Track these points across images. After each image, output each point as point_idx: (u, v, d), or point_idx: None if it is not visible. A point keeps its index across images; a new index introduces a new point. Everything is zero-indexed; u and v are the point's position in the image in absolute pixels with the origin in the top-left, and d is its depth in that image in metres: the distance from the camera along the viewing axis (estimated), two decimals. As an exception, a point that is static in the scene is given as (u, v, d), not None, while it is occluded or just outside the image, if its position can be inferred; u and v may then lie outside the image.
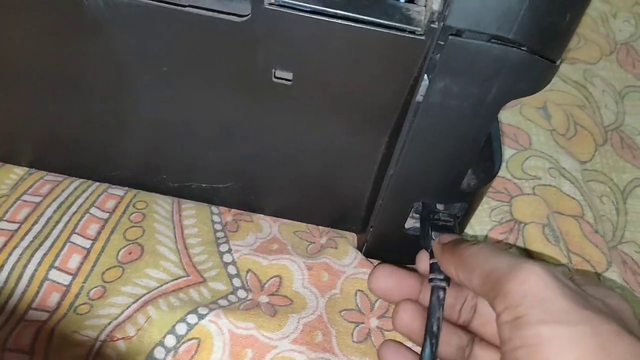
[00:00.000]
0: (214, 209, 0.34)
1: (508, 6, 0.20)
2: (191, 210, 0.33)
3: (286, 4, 0.22)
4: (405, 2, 0.23)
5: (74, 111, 0.30)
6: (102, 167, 0.33)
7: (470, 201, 0.29)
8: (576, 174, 0.37)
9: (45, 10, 0.25)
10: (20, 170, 0.33)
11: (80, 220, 0.31)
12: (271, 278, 0.31)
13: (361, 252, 0.33)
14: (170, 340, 0.26)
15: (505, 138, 0.38)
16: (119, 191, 0.33)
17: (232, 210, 0.34)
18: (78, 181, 0.33)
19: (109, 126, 0.30)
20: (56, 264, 0.29)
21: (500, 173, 0.36)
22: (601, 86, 0.43)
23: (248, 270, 0.31)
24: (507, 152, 0.37)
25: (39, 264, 0.28)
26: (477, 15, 0.21)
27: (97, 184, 0.33)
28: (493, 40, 0.21)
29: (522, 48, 0.22)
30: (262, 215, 0.34)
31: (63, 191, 0.32)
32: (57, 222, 0.30)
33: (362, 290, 0.31)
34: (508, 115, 0.39)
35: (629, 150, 0.40)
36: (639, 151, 0.40)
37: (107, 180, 0.34)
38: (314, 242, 0.33)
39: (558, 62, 0.23)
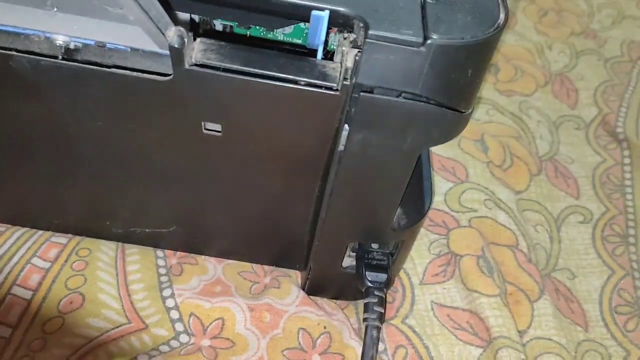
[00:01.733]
0: (160, 252, 0.34)
1: (411, 65, 0.22)
2: (136, 255, 0.34)
3: (206, 64, 0.23)
4: (323, 59, 0.24)
5: (14, 165, 0.30)
6: (46, 216, 0.34)
7: (402, 239, 0.30)
8: (511, 204, 0.38)
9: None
10: (-38, 222, 0.34)
11: (21, 271, 0.31)
12: (214, 321, 0.31)
13: (304, 290, 0.34)
14: (108, 391, 0.27)
15: (443, 171, 0.40)
16: (62, 239, 0.33)
17: (178, 252, 0.35)
18: (21, 230, 0.34)
19: (51, 177, 0.31)
20: (-5, 318, 0.29)
21: (438, 206, 0.38)
22: (536, 117, 0.45)
23: (191, 314, 0.31)
24: (445, 186, 0.39)
25: (-22, 318, 0.29)
26: (385, 73, 0.22)
27: (41, 232, 0.34)
28: (403, 95, 0.23)
29: (430, 102, 0.23)
30: (207, 257, 0.35)
31: (5, 242, 0.32)
32: (-2, 275, 0.31)
33: (304, 328, 0.32)
34: (446, 149, 0.41)
35: (563, 179, 0.42)
36: (572, 179, 0.42)
37: (51, 228, 0.34)
38: (258, 282, 0.34)
39: (468, 111, 0.25)
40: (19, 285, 0.30)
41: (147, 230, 0.34)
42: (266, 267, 0.35)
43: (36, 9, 0.23)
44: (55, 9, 0.22)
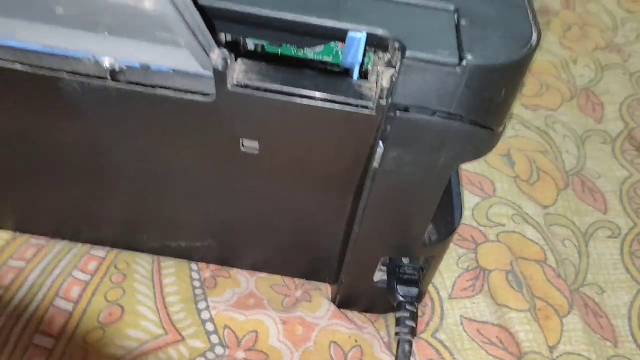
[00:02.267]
0: (194, 265, 0.35)
1: (447, 85, 0.22)
2: (171, 268, 0.35)
3: (248, 86, 0.24)
4: (359, 79, 0.25)
5: (56, 180, 0.32)
6: (85, 230, 0.35)
7: (433, 254, 0.31)
8: (539, 219, 0.39)
9: (27, 92, 0.27)
10: (6, 235, 0.35)
11: (62, 283, 0.32)
12: (248, 334, 0.32)
13: (335, 303, 0.34)
14: (149, 401, 0.28)
15: (471, 186, 0.40)
16: (101, 252, 0.35)
17: (211, 266, 0.36)
18: (62, 243, 0.35)
19: (91, 192, 0.32)
20: (40, 329, 0.30)
21: (467, 221, 0.38)
22: (562, 131, 0.46)
23: (225, 327, 0.32)
24: (473, 200, 0.39)
25: (24, 328, 0.30)
26: (421, 93, 0.23)
27: (80, 245, 0.35)
28: (437, 114, 0.23)
29: (464, 120, 0.24)
30: (240, 270, 0.36)
31: (47, 255, 0.34)
32: (41, 286, 0.32)
33: (335, 342, 0.32)
34: (474, 164, 0.41)
35: (590, 194, 0.42)
36: (600, 194, 0.42)
37: (90, 242, 0.35)
38: (289, 296, 0.35)
39: (500, 129, 0.25)
40: (61, 298, 0.31)
41: (182, 244, 0.35)
42: (297, 281, 0.36)
43: (86, 32, 0.24)
44: (106, 33, 0.23)
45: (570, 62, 0.52)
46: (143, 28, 0.22)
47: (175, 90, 0.25)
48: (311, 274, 0.35)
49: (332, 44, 0.30)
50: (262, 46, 0.31)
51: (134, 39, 0.24)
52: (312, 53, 0.31)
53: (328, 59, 0.31)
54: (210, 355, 0.30)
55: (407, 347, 0.28)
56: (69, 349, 0.29)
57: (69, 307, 0.31)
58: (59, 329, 0.30)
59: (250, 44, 0.31)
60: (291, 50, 0.31)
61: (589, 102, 0.49)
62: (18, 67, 0.25)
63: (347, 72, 0.26)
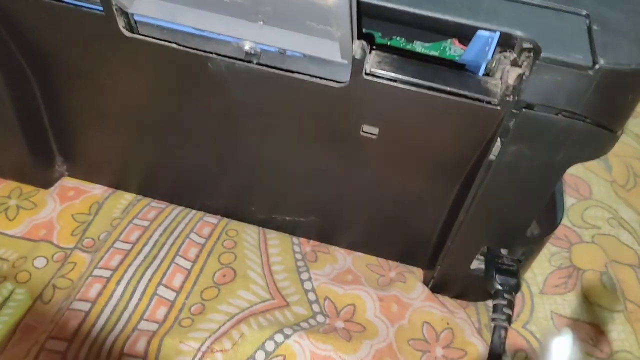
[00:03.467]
0: (294, 239, 0.38)
1: (577, 87, 0.23)
2: (275, 240, 0.37)
3: (381, 75, 0.26)
4: (483, 75, 0.26)
5: (181, 150, 0.35)
6: (200, 198, 0.38)
7: (532, 248, 0.32)
8: (634, 224, 0.39)
9: (177, 69, 0.29)
10: (129, 197, 0.39)
11: (182, 244, 0.35)
12: (346, 306, 0.34)
13: (427, 286, 0.36)
14: (260, 356, 0.30)
15: (566, 187, 0.41)
16: (213, 219, 0.38)
17: (311, 241, 0.38)
18: (178, 209, 0.38)
19: (210, 164, 0.35)
20: (163, 282, 0.33)
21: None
22: (662, 139, 0.45)
23: (326, 298, 0.34)
24: (568, 201, 0.40)
25: (149, 280, 0.33)
26: (549, 93, 0.24)
27: (195, 212, 0.38)
28: (562, 114, 0.25)
29: (587, 121, 0.25)
30: (337, 248, 0.38)
31: (167, 217, 0.37)
32: (163, 245, 0.35)
33: (428, 322, 0.34)
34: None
35: (688, 204, 0.41)
36: (698, 205, 0.42)
37: (203, 209, 0.38)
38: (384, 275, 0.37)
39: (620, 132, 0.26)
40: (180, 256, 0.35)
41: (287, 218, 0.37)
42: (390, 262, 0.38)
43: (241, 19, 0.26)
44: (261, 22, 0.25)
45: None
46: (301, 20, 0.24)
47: (310, 75, 0.27)
48: (405, 257, 0.37)
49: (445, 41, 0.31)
50: (372, 36, 0.32)
51: (286, 28, 0.26)
52: (420, 47, 0.32)
53: (435, 53, 0.32)
54: (312, 321, 0.33)
55: (502, 332, 0.30)
56: (188, 302, 0.33)
57: (187, 265, 0.34)
58: (180, 284, 0.33)
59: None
60: (400, 43, 0.32)
61: (692, 111, 0.48)
62: (174, 46, 0.28)
63: (459, 66, 0.27)
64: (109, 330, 0.30)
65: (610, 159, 0.43)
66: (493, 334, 0.30)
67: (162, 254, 0.35)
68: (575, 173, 0.41)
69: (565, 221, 0.39)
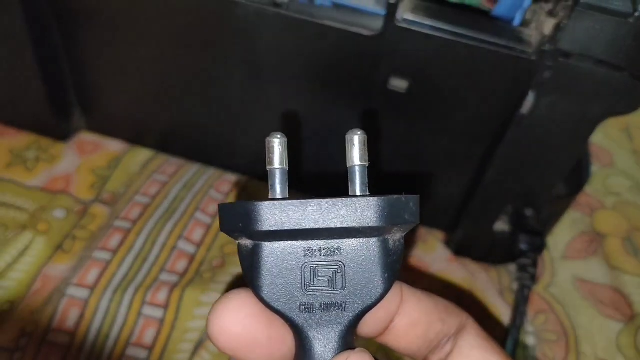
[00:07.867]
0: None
1: (616, 36, 0.23)
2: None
3: (416, 23, 0.25)
4: (519, 26, 0.26)
5: (203, 104, 0.34)
6: (220, 156, 0.37)
7: (558, 208, 0.32)
8: (657, 193, 0.38)
9: (203, 16, 0.29)
10: (148, 153, 0.38)
11: (202, 199, 0.35)
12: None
13: (450, 248, 0.36)
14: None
15: (588, 155, 0.40)
16: (231, 177, 0.37)
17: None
18: (197, 165, 0.38)
19: (231, 119, 0.35)
20: (184, 235, 0.33)
21: (582, 187, 0.39)
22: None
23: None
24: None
25: (170, 233, 0.33)
26: (587, 41, 0.24)
27: (213, 170, 0.38)
28: (600, 64, 0.24)
29: (625, 72, 0.24)
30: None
31: (186, 173, 0.37)
32: (183, 199, 0.35)
33: (449, 284, 0.34)
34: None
35: None
36: None
37: (223, 167, 0.38)
38: (403, 237, 0.36)
39: (655, 87, 0.25)
40: (200, 211, 0.34)
41: (305, 176, 0.37)
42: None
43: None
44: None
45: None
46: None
47: (344, 23, 0.27)
48: (427, 219, 0.37)
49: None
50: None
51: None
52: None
53: (470, 4, 0.31)
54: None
55: (526, 291, 0.30)
56: (209, 256, 0.32)
57: (207, 220, 0.34)
58: (200, 237, 0.33)
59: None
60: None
61: None
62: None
63: (490, 17, 0.27)
64: (131, 279, 0.30)
65: (632, 130, 0.43)
66: (517, 292, 0.30)
67: (182, 208, 0.34)
68: (598, 142, 0.41)
69: (587, 188, 0.38)
